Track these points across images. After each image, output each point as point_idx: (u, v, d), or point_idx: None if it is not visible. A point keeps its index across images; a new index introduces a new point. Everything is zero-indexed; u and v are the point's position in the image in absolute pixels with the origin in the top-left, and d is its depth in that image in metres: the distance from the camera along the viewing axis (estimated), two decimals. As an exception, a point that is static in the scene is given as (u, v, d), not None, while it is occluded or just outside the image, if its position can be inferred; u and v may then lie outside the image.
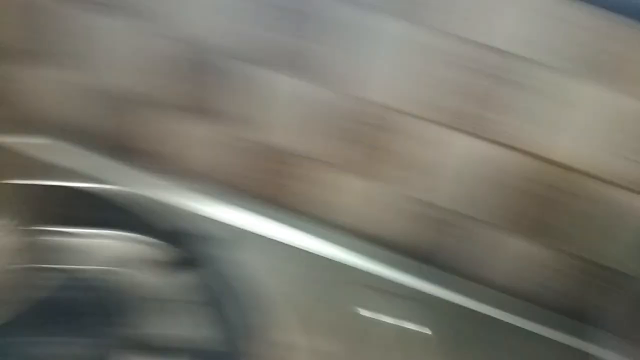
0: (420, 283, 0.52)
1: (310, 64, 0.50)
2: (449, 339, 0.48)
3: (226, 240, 0.51)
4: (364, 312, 0.48)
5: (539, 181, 0.53)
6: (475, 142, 0.52)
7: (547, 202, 0.54)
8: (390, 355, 0.46)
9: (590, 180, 0.51)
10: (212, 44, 0.52)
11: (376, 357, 0.45)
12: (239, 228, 0.53)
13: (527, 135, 0.51)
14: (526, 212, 0.55)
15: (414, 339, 0.46)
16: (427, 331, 0.47)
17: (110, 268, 0.50)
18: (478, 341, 0.49)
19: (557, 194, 0.53)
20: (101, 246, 0.53)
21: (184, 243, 0.49)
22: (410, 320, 0.48)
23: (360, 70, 0.50)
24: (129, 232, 0.51)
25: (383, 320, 0.48)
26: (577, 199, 0.53)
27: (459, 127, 0.51)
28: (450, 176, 0.53)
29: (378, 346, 0.46)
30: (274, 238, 0.53)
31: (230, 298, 0.46)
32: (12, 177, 0.57)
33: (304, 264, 0.52)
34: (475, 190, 0.54)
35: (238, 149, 0.56)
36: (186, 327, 0.41)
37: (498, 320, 0.52)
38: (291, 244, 0.53)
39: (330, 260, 0.53)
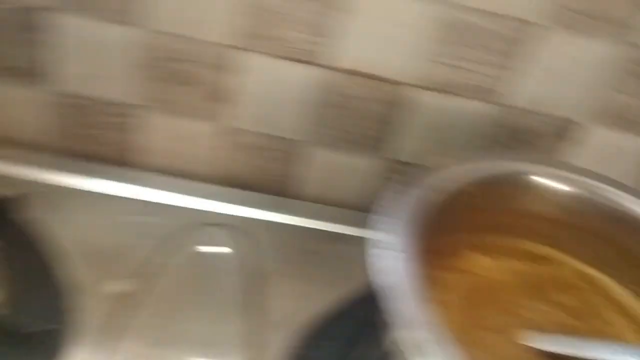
0: (249, 210, 0.56)
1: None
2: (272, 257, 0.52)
3: (51, 201, 0.51)
4: (204, 249, 0.51)
5: (349, 94, 0.54)
6: (276, 63, 0.52)
7: (362, 113, 0.55)
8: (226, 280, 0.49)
9: (399, 87, 0.53)
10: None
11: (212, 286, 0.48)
12: (66, 188, 0.54)
13: (328, 50, 0.51)
14: (343, 126, 0.56)
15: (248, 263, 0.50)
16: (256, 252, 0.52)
17: None
18: (307, 255, 0.54)
19: (370, 104, 0.54)
20: None
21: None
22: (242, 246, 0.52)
23: (159, 4, 0.50)
24: None
25: (217, 251, 0.51)
26: (392, 106, 0.54)
27: (254, 49, 0.51)
28: (257, 101, 0.54)
29: (210, 276, 0.49)
30: (103, 193, 0.54)
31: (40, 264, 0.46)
32: None
33: (138, 213, 0.53)
34: (285, 111, 0.55)
35: (50, 107, 0.55)
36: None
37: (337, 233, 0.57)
38: (121, 196, 0.54)
39: (167, 205, 0.55)
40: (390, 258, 0.33)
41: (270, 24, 0.50)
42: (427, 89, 0.53)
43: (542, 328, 0.40)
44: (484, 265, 0.45)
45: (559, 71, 0.52)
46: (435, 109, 0.54)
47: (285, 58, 0.52)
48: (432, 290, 0.40)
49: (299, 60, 0.52)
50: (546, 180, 0.45)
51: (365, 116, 0.55)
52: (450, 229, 0.43)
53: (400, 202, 0.38)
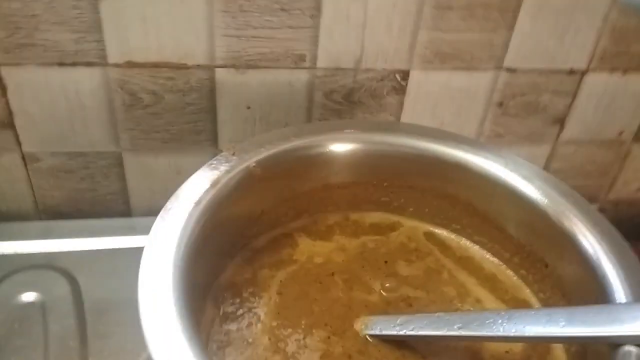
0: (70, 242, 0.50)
1: None
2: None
3: None
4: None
5: (152, 90, 0.49)
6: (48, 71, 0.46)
7: (174, 107, 0.50)
8: None
9: (204, 71, 0.48)
10: None
11: None
12: None
13: (112, 46, 0.46)
14: (157, 126, 0.51)
15: None
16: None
17: None
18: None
19: (179, 96, 0.50)
20: None
21: None
22: None
23: None
24: None
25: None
26: (204, 93, 0.50)
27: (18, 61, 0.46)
28: (42, 118, 0.49)
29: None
30: None
31: None
32: None
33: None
34: (79, 123, 0.50)
35: None
36: None
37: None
38: None
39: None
40: (158, 271, 0.29)
41: (30, 29, 0.44)
42: (234, 66, 0.49)
43: (385, 310, 0.37)
44: (315, 251, 0.41)
45: (367, 20, 0.48)
46: (249, 85, 0.50)
47: (58, 64, 0.46)
48: (240, 297, 0.36)
49: (77, 64, 0.46)
50: (358, 145, 0.41)
51: (179, 110, 0.50)
52: (258, 221, 0.40)
53: (182, 201, 0.33)
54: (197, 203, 0.33)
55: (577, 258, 0.34)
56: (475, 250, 0.42)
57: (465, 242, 0.43)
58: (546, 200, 0.37)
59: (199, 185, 0.34)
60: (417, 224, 0.44)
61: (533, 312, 0.31)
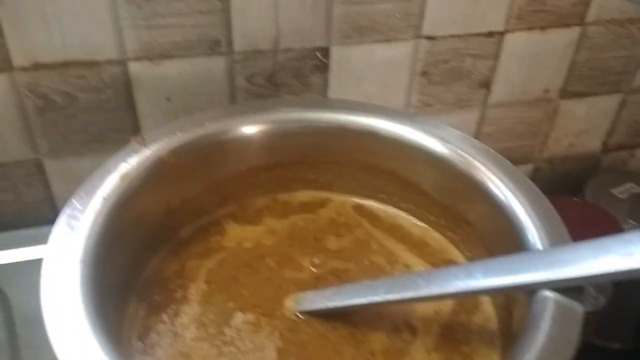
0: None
1: None
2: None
3: None
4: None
5: (62, 90, 0.47)
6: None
7: (90, 107, 0.49)
8: None
9: (115, 66, 0.47)
10: None
11: None
12: None
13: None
14: (73, 128, 0.49)
15: None
16: None
17: None
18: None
19: (95, 95, 0.48)
20: None
21: None
22: None
23: None
24: None
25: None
26: (120, 90, 0.48)
27: None
28: None
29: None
30: None
31: None
32: None
33: None
34: None
35: None
36: None
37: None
38: None
39: None
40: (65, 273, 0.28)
41: None
42: (148, 58, 0.47)
43: (315, 285, 0.37)
44: (244, 236, 0.40)
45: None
46: (166, 77, 0.49)
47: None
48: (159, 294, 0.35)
49: None
50: (275, 125, 0.41)
51: (95, 109, 0.49)
52: (180, 212, 0.39)
53: (89, 198, 0.32)
54: (106, 199, 0.32)
55: (494, 211, 0.35)
56: (403, 217, 0.42)
57: (393, 211, 0.43)
58: (460, 158, 0.37)
59: (107, 180, 0.33)
60: (345, 198, 0.44)
61: (452, 269, 0.31)
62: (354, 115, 0.40)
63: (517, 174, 0.36)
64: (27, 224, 0.53)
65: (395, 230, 0.41)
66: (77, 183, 0.53)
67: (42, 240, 0.50)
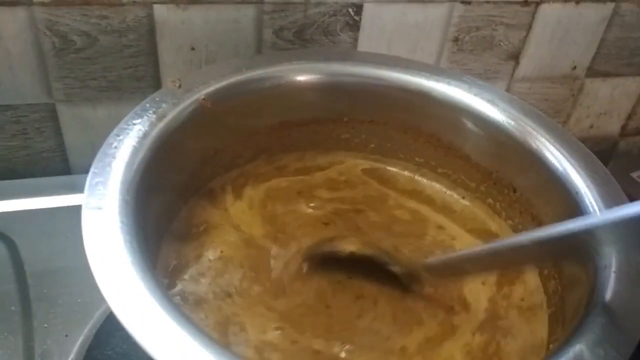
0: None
1: None
2: None
3: None
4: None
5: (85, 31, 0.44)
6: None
7: (111, 51, 0.46)
8: None
9: (141, 8, 0.45)
10: None
11: None
12: None
13: None
14: (93, 73, 0.47)
15: None
16: None
17: None
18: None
19: (117, 38, 0.46)
20: None
21: None
22: None
23: None
24: None
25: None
26: (142, 35, 0.46)
27: None
28: None
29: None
30: None
31: None
32: None
33: None
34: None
35: None
36: None
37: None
38: None
39: None
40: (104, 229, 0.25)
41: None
42: (174, 2, 0.45)
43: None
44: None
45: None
46: (191, 24, 0.46)
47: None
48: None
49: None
50: (315, 76, 0.38)
51: (116, 53, 0.46)
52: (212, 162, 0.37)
53: (126, 136, 0.30)
54: (143, 137, 0.30)
55: (547, 177, 0.33)
56: (435, 186, 0.41)
57: (426, 179, 0.41)
58: (512, 122, 0.35)
59: (144, 119, 0.31)
60: (358, 161, 0.42)
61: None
62: (400, 72, 0.38)
63: (568, 136, 0.34)
64: (36, 174, 0.50)
65: (415, 194, 0.40)
66: (91, 134, 0.50)
67: (52, 190, 0.48)
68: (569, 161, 0.33)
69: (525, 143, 0.34)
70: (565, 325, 0.29)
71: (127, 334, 0.23)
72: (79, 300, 0.40)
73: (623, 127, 0.69)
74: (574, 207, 0.31)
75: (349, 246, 0.33)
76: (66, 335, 0.39)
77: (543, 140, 0.34)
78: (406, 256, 0.35)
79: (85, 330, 0.39)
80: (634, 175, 0.64)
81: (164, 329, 0.22)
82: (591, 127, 0.67)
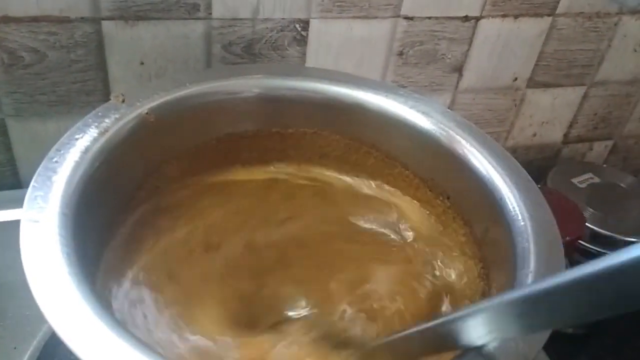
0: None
1: None
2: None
3: None
4: None
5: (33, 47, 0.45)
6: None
7: (61, 65, 0.47)
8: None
9: (90, 24, 0.45)
10: None
11: None
12: None
13: None
14: (41, 88, 0.47)
15: None
16: None
17: None
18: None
19: (65, 54, 0.46)
20: None
21: None
22: None
23: None
24: None
25: None
26: (93, 49, 0.47)
27: None
28: None
29: None
30: None
31: None
32: None
33: None
34: None
35: None
36: None
37: None
38: None
39: None
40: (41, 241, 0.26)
41: None
42: (123, 18, 0.46)
43: None
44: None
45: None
46: (140, 39, 0.47)
47: None
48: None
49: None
50: (259, 91, 0.40)
51: (65, 68, 0.47)
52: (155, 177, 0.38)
53: (67, 151, 0.31)
54: (85, 151, 0.31)
55: (475, 183, 0.35)
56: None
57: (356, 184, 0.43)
58: (443, 132, 0.37)
59: (86, 134, 0.32)
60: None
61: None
62: (340, 86, 0.40)
63: (494, 145, 0.37)
64: (-15, 187, 0.50)
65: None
66: (41, 147, 0.50)
67: (3, 204, 0.48)
68: (495, 168, 0.35)
69: (454, 151, 0.37)
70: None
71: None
72: (27, 313, 0.41)
73: (565, 135, 0.72)
74: (498, 211, 0.33)
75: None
76: (15, 348, 0.39)
77: (471, 149, 0.36)
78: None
79: (34, 342, 0.39)
80: (575, 180, 0.68)
81: (100, 338, 0.23)
82: (534, 135, 0.70)
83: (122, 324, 0.25)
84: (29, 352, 0.39)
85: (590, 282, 0.17)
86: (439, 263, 0.37)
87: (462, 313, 0.24)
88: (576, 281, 0.18)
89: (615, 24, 0.63)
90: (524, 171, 0.35)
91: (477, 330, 0.23)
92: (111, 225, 0.34)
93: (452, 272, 0.37)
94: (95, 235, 0.31)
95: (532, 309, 0.20)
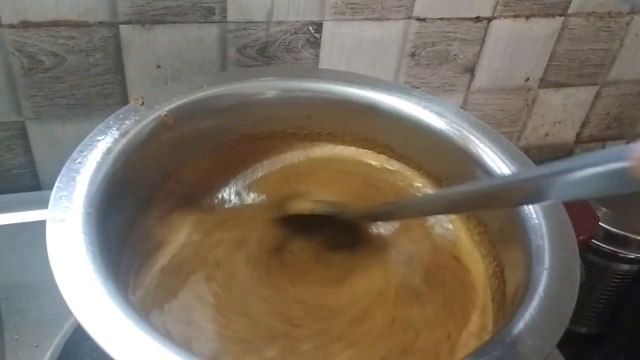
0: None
1: None
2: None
3: None
4: None
5: (52, 51, 0.46)
6: None
7: (79, 69, 0.48)
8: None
9: (108, 28, 0.46)
10: None
11: None
12: None
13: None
14: (62, 91, 0.48)
15: None
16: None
17: None
18: None
19: (83, 58, 0.47)
20: None
21: None
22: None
23: None
24: None
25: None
26: (111, 53, 0.48)
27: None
28: None
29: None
30: None
31: None
32: None
33: None
34: None
35: None
36: None
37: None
38: None
39: None
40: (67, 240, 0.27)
41: None
42: (140, 22, 0.47)
43: None
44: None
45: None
46: (157, 43, 0.48)
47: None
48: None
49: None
50: (275, 92, 0.41)
51: (83, 72, 0.47)
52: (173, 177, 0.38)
53: (90, 152, 0.31)
54: (107, 152, 0.32)
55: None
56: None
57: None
58: (457, 132, 0.38)
59: (107, 135, 0.33)
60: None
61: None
62: (353, 87, 0.40)
63: (508, 145, 0.37)
64: (6, 191, 0.51)
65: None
66: (61, 150, 0.52)
67: (23, 206, 0.49)
68: (508, 167, 0.35)
69: (468, 150, 0.37)
70: (504, 316, 0.31)
71: (94, 343, 0.24)
72: (49, 312, 0.41)
73: (578, 135, 0.72)
74: (512, 210, 0.34)
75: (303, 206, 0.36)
76: (37, 346, 0.40)
77: (485, 148, 0.37)
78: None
79: (56, 341, 0.40)
80: (588, 180, 0.68)
81: (124, 333, 0.24)
82: (547, 135, 0.70)
83: (145, 320, 0.26)
84: (50, 350, 0.40)
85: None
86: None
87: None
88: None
89: (627, 24, 0.63)
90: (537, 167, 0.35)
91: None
92: (132, 225, 0.34)
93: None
94: (117, 234, 0.32)
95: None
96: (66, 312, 0.37)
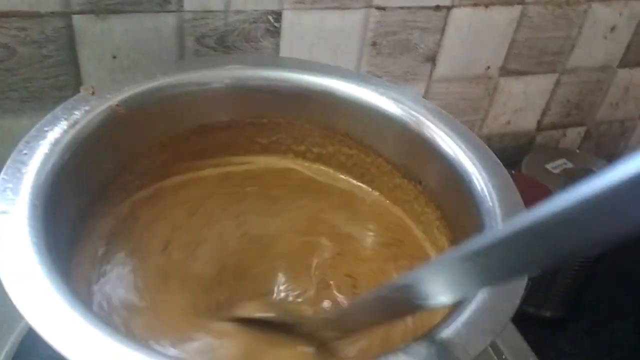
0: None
1: None
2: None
3: None
4: None
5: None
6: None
7: (33, 61, 0.46)
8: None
9: (60, 19, 0.45)
10: None
11: None
12: None
13: None
14: (14, 84, 0.47)
15: None
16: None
17: None
18: None
19: (36, 49, 0.46)
20: None
21: None
22: None
23: None
24: None
25: None
26: (63, 44, 0.46)
27: None
28: None
29: None
30: None
31: None
32: None
33: None
34: None
35: None
36: None
37: None
38: None
39: None
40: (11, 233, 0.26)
41: None
42: (93, 12, 0.46)
43: None
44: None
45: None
46: (112, 33, 0.47)
47: None
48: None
49: None
50: (230, 82, 0.40)
51: (36, 64, 0.46)
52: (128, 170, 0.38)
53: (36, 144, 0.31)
54: (55, 144, 0.31)
55: (444, 167, 0.36)
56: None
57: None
58: (412, 117, 0.38)
59: (56, 127, 0.32)
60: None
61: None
62: (311, 75, 0.40)
63: (464, 130, 0.37)
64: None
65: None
66: (14, 144, 0.50)
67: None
68: (463, 151, 0.35)
69: (423, 135, 0.37)
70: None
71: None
72: (2, 310, 0.40)
73: (539, 122, 0.73)
74: (467, 194, 0.34)
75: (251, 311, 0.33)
76: (-9, 345, 0.39)
77: (440, 132, 0.37)
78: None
79: (12, 338, 0.39)
80: (550, 166, 0.69)
81: (70, 326, 0.23)
82: (508, 123, 0.71)
83: (96, 315, 0.25)
84: (5, 349, 0.39)
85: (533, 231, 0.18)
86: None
87: (413, 273, 0.23)
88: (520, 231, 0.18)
89: (585, 11, 0.64)
90: (493, 154, 0.36)
91: (433, 287, 0.23)
92: (84, 217, 0.34)
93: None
94: (68, 227, 0.31)
95: (482, 262, 0.21)
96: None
